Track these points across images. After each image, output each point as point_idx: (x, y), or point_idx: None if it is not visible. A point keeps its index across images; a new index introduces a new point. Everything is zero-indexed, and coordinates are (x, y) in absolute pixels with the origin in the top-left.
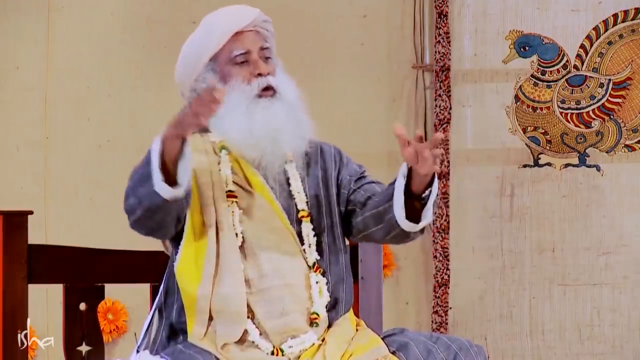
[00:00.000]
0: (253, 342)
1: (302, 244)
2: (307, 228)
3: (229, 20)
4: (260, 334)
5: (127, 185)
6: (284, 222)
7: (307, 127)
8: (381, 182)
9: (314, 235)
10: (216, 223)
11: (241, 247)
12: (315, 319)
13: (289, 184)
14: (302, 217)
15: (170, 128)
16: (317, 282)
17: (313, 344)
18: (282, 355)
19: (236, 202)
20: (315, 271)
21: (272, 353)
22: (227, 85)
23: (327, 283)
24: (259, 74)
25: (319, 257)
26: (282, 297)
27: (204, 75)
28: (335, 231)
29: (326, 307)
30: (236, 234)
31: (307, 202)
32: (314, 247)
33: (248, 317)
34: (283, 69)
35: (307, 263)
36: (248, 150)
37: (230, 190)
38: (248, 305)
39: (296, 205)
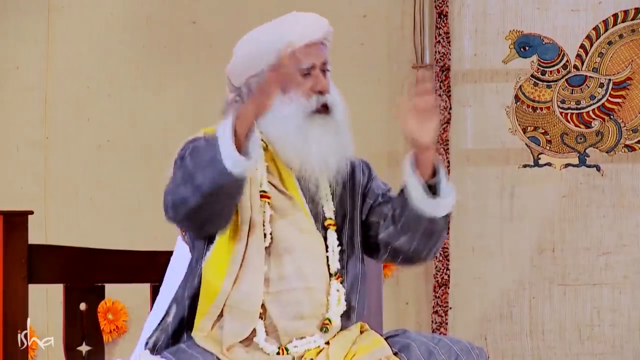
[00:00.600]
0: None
1: (327, 250)
2: (332, 236)
3: (303, 30)
4: (268, 334)
5: (171, 180)
6: (313, 226)
7: (350, 146)
8: None
9: (338, 245)
10: (250, 220)
11: (268, 247)
12: (327, 324)
13: (319, 191)
14: (329, 225)
15: (248, 105)
16: (337, 290)
17: (318, 346)
18: (287, 354)
19: (268, 202)
20: (336, 279)
21: (277, 353)
22: (286, 96)
23: (345, 293)
24: (319, 92)
25: (339, 266)
26: (301, 300)
27: (263, 77)
28: (355, 240)
29: (340, 316)
30: (265, 234)
31: (334, 210)
32: (337, 256)
33: (260, 318)
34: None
35: (329, 270)
36: (298, 164)
37: (263, 191)
38: (263, 305)
39: (324, 213)
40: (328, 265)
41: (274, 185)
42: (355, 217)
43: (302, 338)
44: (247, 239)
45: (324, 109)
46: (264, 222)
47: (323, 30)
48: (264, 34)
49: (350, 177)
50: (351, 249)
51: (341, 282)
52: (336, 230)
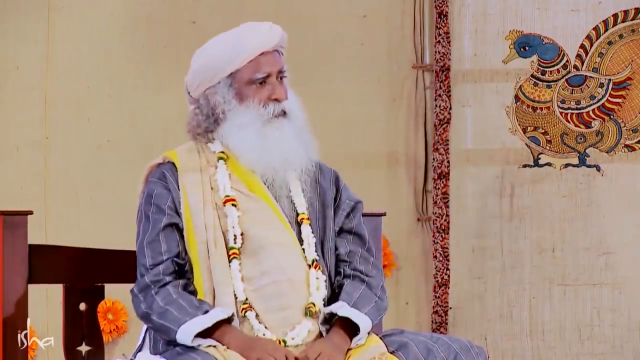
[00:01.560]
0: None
1: (302, 244)
2: (306, 229)
3: (257, 40)
4: (266, 328)
5: (148, 291)
6: (284, 223)
7: (313, 148)
8: (361, 227)
9: (313, 237)
10: (207, 240)
11: (242, 248)
12: (311, 307)
13: (289, 189)
14: (302, 220)
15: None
16: (317, 278)
17: (315, 334)
18: (285, 346)
19: (234, 204)
20: (315, 268)
21: None
22: (243, 104)
23: (325, 280)
24: (276, 99)
25: (316, 256)
26: (284, 292)
27: (221, 89)
28: (328, 232)
29: (323, 301)
30: (235, 236)
31: (306, 206)
32: (313, 247)
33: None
34: (289, 85)
35: (306, 262)
36: (260, 168)
37: (227, 196)
38: (249, 303)
39: (296, 209)
40: (305, 258)
41: (239, 191)
42: (327, 212)
43: (293, 329)
44: (209, 259)
45: (282, 114)
46: (233, 224)
47: (277, 39)
48: (219, 45)
49: (321, 183)
50: (326, 239)
51: (321, 270)
52: (310, 224)
